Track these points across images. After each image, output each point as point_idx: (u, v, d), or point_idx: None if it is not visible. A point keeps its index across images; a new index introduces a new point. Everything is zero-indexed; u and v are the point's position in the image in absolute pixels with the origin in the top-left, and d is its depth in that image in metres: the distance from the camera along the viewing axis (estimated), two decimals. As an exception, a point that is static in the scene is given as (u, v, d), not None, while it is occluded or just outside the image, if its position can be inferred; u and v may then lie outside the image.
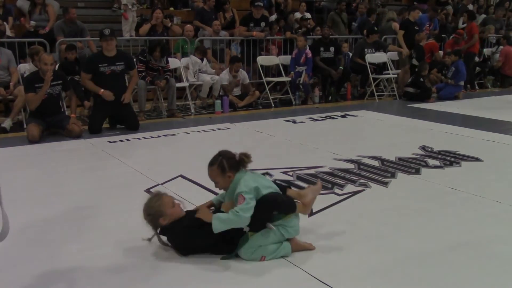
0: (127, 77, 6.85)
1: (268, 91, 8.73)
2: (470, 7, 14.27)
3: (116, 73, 6.33)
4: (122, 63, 6.37)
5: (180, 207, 2.93)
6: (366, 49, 9.56)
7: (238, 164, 2.84)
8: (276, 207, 2.79)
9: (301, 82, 8.72)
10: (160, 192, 2.98)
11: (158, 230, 2.88)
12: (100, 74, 6.24)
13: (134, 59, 7.50)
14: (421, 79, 8.98)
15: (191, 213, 2.93)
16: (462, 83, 9.46)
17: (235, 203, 2.73)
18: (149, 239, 2.90)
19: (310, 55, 8.78)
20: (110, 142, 5.76)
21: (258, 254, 2.79)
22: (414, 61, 9.50)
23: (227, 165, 2.82)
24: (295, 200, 2.92)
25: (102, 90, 6.22)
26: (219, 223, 2.70)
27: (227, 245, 2.81)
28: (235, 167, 2.83)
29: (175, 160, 5.01)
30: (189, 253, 2.86)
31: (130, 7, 9.46)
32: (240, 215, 2.66)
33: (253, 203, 2.69)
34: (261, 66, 8.99)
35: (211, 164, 2.86)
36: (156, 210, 2.83)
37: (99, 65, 6.25)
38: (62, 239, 3.09)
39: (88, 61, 6.49)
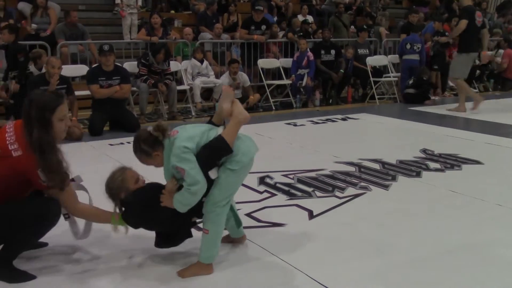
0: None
1: (268, 94, 8.73)
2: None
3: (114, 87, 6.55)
4: (119, 77, 6.57)
5: (144, 183, 2.78)
6: (359, 50, 9.59)
7: (159, 140, 2.59)
8: (206, 166, 2.52)
9: (303, 85, 8.73)
10: (125, 166, 2.78)
11: (119, 205, 2.73)
12: (99, 87, 6.48)
13: (136, 62, 7.55)
14: (424, 78, 9.02)
15: (150, 187, 2.77)
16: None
17: (177, 176, 2.55)
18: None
19: (312, 57, 8.78)
20: (111, 144, 5.77)
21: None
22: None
23: (147, 147, 2.60)
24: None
25: (117, 86, 6.52)
26: (183, 206, 2.54)
27: (183, 220, 2.69)
28: (158, 144, 2.59)
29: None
30: (141, 226, 2.74)
31: (124, 8, 9.48)
32: (194, 189, 2.46)
33: (194, 165, 2.47)
34: (262, 69, 9.00)
35: (134, 152, 2.67)
36: (117, 185, 2.68)
37: (98, 79, 6.48)
38: (61, 241, 3.08)
39: (91, 74, 6.67)
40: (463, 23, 7.83)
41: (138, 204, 2.66)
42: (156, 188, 2.69)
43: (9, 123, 2.64)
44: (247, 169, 2.69)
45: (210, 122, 2.75)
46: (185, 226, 2.78)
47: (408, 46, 9.37)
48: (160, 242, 2.82)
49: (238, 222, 2.98)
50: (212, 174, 2.55)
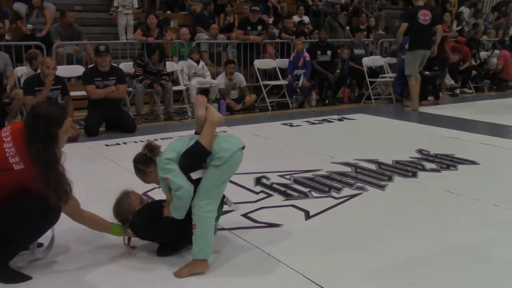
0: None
1: (265, 95, 8.74)
2: (467, 11, 14.35)
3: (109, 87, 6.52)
4: (115, 78, 6.53)
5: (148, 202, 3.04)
6: (355, 50, 9.60)
7: (149, 157, 2.83)
8: (187, 170, 2.69)
9: (299, 85, 8.74)
10: (128, 190, 3.02)
11: (127, 226, 2.92)
12: (95, 88, 6.44)
13: (132, 63, 7.55)
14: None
15: (152, 204, 3.02)
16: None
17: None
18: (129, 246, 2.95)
19: (308, 58, 8.79)
20: (107, 145, 5.76)
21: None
22: None
23: (142, 166, 2.85)
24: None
25: (113, 86, 6.46)
26: (177, 212, 2.72)
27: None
28: (149, 162, 2.82)
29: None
30: (150, 239, 2.97)
31: (120, 10, 9.48)
32: (179, 193, 2.64)
33: (176, 172, 2.66)
34: (258, 69, 9.00)
35: (135, 174, 2.93)
36: (125, 209, 2.92)
37: (95, 79, 6.43)
38: (56, 241, 3.06)
39: (87, 74, 6.64)
40: (403, 26, 8.33)
41: (145, 221, 2.87)
42: (158, 204, 2.95)
43: (3, 129, 2.61)
44: (231, 165, 2.75)
45: (195, 133, 2.92)
46: (187, 234, 2.81)
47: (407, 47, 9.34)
48: (162, 250, 2.93)
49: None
50: (194, 175, 2.70)
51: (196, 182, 2.69)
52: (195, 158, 2.71)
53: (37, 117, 2.47)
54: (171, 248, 2.93)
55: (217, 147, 2.72)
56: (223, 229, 3.21)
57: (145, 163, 2.84)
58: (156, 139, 5.92)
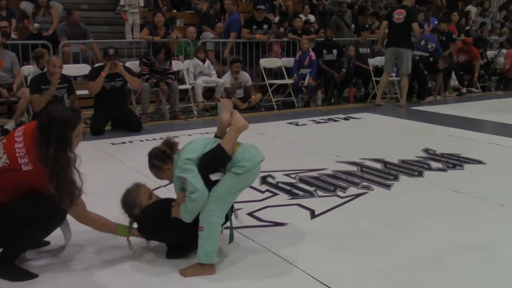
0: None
1: (270, 94, 8.73)
2: (474, 10, 14.28)
3: (116, 88, 6.51)
4: (121, 78, 6.52)
5: (157, 199, 2.98)
6: (360, 49, 9.59)
7: (168, 154, 2.77)
8: (205, 171, 2.66)
9: (305, 84, 8.73)
10: (139, 183, 2.97)
11: (134, 220, 2.91)
12: (101, 88, 6.41)
13: (138, 62, 7.56)
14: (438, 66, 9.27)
15: (161, 202, 2.97)
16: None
17: (185, 188, 2.69)
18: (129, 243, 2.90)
19: (314, 57, 8.78)
20: (112, 144, 5.77)
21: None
22: None
23: (158, 162, 2.79)
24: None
25: (102, 72, 6.35)
26: (187, 215, 2.69)
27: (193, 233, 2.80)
28: (167, 158, 2.77)
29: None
30: (154, 239, 2.94)
31: (126, 8, 9.50)
32: (194, 196, 2.60)
33: (194, 174, 2.62)
34: (264, 68, 8.99)
35: (149, 168, 2.87)
36: (132, 201, 2.89)
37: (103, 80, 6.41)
38: (63, 239, 3.08)
39: (93, 72, 6.61)
40: (383, 24, 8.85)
41: (151, 219, 2.85)
42: (166, 203, 2.90)
43: (17, 129, 2.62)
44: (250, 176, 2.74)
45: (215, 136, 2.89)
46: (194, 238, 2.81)
47: (423, 43, 9.37)
48: (170, 253, 2.92)
49: (231, 238, 2.96)
50: (213, 177, 2.68)
51: (210, 185, 2.67)
52: (214, 161, 2.68)
53: (50, 120, 2.46)
54: (179, 251, 2.90)
55: (240, 155, 2.70)
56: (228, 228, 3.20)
57: (162, 160, 2.78)
58: (162, 138, 5.93)
